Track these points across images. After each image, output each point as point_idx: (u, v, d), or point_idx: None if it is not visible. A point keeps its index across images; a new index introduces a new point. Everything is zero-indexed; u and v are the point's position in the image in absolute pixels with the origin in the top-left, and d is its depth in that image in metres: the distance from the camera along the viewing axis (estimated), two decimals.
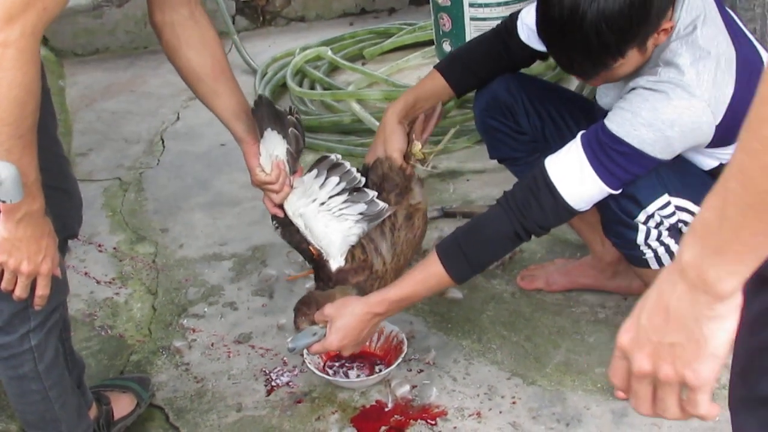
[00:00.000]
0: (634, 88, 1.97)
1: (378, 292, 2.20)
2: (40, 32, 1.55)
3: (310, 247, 2.28)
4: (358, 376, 2.41)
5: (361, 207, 2.21)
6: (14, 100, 1.53)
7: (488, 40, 2.43)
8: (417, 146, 2.34)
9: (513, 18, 2.37)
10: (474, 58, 2.42)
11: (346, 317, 2.16)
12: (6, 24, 1.50)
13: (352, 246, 2.26)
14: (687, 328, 0.97)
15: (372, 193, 2.22)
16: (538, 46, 2.30)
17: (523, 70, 2.48)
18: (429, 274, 2.14)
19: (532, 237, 2.12)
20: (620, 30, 1.89)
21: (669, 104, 1.90)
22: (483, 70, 2.42)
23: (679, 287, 0.97)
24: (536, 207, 2.03)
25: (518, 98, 2.40)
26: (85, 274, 3.03)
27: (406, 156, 2.34)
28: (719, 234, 0.92)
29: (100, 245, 3.19)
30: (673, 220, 2.08)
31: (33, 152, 1.62)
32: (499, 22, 2.48)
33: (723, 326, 0.96)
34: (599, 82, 2.08)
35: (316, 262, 2.31)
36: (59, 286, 1.88)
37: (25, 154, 1.60)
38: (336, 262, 2.27)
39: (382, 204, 2.23)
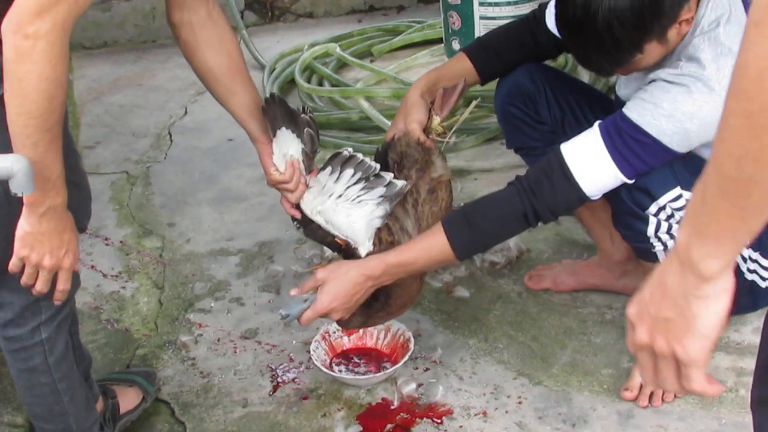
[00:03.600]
0: (654, 80, 1.98)
1: (376, 255, 2.15)
2: (71, 25, 1.55)
3: (336, 239, 2.25)
4: (365, 373, 2.41)
5: (380, 191, 2.19)
6: (43, 93, 1.54)
7: (516, 27, 2.44)
8: (436, 120, 2.33)
9: (541, 7, 2.38)
10: (502, 44, 2.43)
11: (339, 279, 2.10)
12: (37, 16, 1.50)
13: (378, 228, 2.22)
14: (678, 305, 1.02)
15: (389, 176, 2.20)
16: None
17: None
18: (431, 243, 2.10)
19: (539, 225, 2.10)
20: (632, 26, 1.92)
21: (689, 97, 1.92)
22: (510, 56, 2.42)
23: (674, 265, 1.02)
24: (548, 188, 2.03)
25: (541, 87, 2.40)
26: (92, 267, 3.03)
27: (426, 130, 2.32)
28: (701, 217, 0.98)
29: (106, 239, 3.20)
30: (683, 213, 2.08)
31: (58, 146, 1.62)
32: (508, 21, 2.49)
33: (710, 307, 1.01)
34: (623, 72, 2.10)
35: (345, 251, 2.28)
36: (72, 280, 1.88)
37: (51, 148, 1.60)
38: (364, 248, 2.22)
39: (400, 183, 2.20)
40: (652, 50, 1.98)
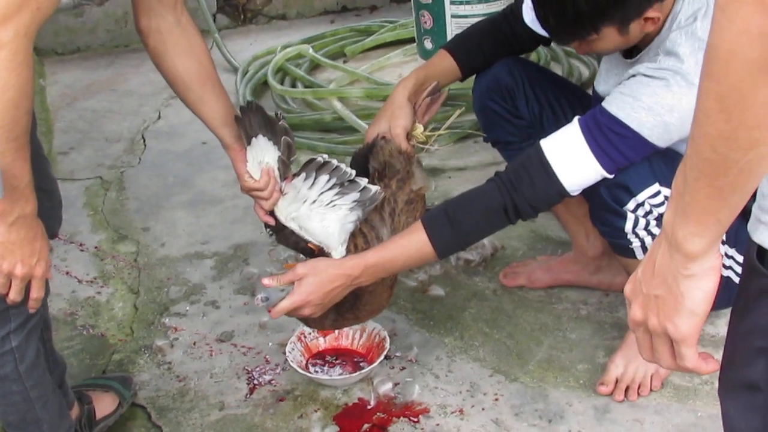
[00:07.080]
0: (634, 75, 1.99)
1: (355, 255, 2.13)
2: (34, 33, 1.54)
3: (310, 245, 2.24)
4: (341, 373, 2.41)
5: (354, 195, 2.17)
6: (8, 102, 1.52)
7: (495, 21, 2.45)
8: (419, 128, 2.32)
9: (518, 2, 2.38)
10: (481, 38, 2.44)
11: (318, 275, 2.08)
12: None
13: (353, 235, 2.21)
14: (666, 284, 1.06)
15: (363, 181, 2.17)
16: (542, 31, 2.32)
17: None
18: (411, 241, 2.09)
19: (519, 222, 2.09)
20: (596, 4, 1.93)
21: (669, 90, 1.92)
22: (489, 50, 2.43)
23: (662, 245, 1.06)
24: (528, 183, 2.02)
25: (519, 82, 2.41)
26: (67, 273, 3.02)
27: (408, 137, 2.32)
28: (683, 197, 1.01)
29: (81, 244, 3.18)
30: (662, 209, 2.08)
31: (26, 155, 1.60)
32: (479, 19, 2.49)
33: (698, 285, 1.05)
34: (580, 50, 2.10)
35: (317, 257, 2.27)
36: None
37: (18, 157, 1.58)
38: (338, 252, 2.20)
39: (374, 188, 2.17)
40: (610, 36, 1.99)
